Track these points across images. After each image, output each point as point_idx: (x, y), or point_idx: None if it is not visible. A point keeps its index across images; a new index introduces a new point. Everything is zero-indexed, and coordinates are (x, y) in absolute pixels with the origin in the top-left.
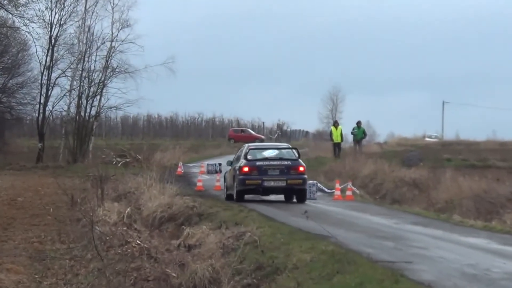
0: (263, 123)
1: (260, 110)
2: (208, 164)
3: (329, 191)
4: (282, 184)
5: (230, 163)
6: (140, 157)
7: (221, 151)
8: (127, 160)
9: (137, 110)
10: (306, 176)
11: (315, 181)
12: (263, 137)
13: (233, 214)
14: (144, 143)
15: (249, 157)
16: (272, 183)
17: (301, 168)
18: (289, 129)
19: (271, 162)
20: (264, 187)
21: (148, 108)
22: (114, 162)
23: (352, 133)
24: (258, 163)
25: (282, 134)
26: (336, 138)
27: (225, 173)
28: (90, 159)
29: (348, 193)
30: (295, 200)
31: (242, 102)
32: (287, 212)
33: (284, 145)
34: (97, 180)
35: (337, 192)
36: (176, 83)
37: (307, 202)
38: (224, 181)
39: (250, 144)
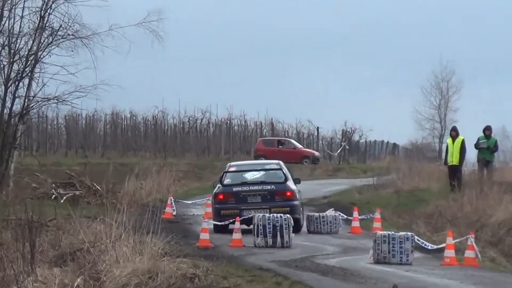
0: (317, 129)
1: (310, 107)
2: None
3: (434, 247)
4: (265, 213)
5: (214, 185)
6: (99, 188)
7: None
8: (77, 192)
9: (96, 104)
10: (296, 203)
11: (409, 233)
12: (316, 153)
13: None
14: (108, 163)
15: (225, 181)
16: (252, 213)
17: (288, 193)
18: (363, 140)
19: (251, 187)
20: (244, 218)
21: (115, 102)
22: (54, 196)
23: (477, 146)
24: (235, 188)
25: (351, 147)
26: (454, 157)
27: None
28: (10, 190)
29: (469, 254)
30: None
31: (279, 95)
32: (360, 285)
33: (273, 164)
34: (23, 228)
35: (449, 253)
36: (164, 60)
37: (397, 270)
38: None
39: (232, 163)
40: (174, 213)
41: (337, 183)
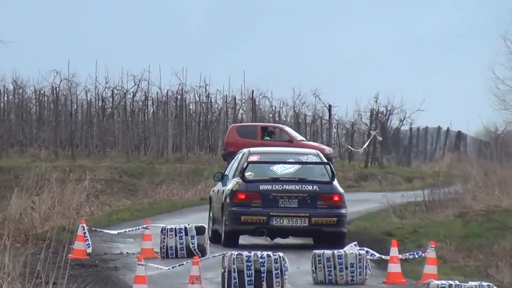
0: (329, 108)
1: (317, 73)
2: (165, 230)
3: None
4: (302, 223)
5: (220, 177)
6: None
7: (203, 191)
8: None
9: None
10: (345, 211)
11: (485, 284)
12: (328, 149)
13: None
14: None
15: (248, 174)
16: (285, 222)
17: (336, 197)
18: (406, 127)
19: (286, 186)
20: (272, 228)
21: None
22: None
23: None
24: (263, 186)
25: (385, 139)
26: None
27: (212, 191)
28: None
29: None
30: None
31: (264, 53)
32: None
33: (311, 153)
34: None
35: None
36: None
37: None
38: (210, 208)
39: (251, 149)
40: (89, 250)
41: (363, 200)
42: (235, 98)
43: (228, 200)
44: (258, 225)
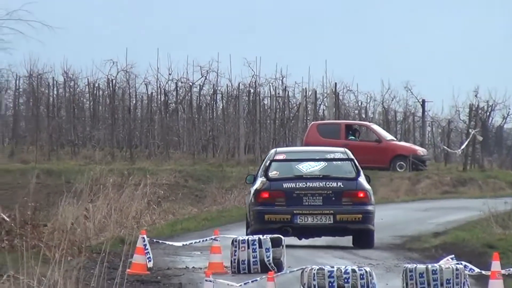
0: (423, 103)
1: (410, 64)
2: (237, 242)
3: None
4: (327, 220)
5: (253, 180)
6: (7, 219)
7: None
8: None
9: None
10: (371, 208)
11: None
12: (421, 150)
13: None
14: (23, 169)
15: (272, 173)
16: (309, 220)
17: (361, 194)
18: (508, 124)
19: (309, 184)
20: (296, 226)
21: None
22: None
23: None
24: (286, 184)
25: (486, 138)
26: None
27: (246, 194)
28: None
29: None
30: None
31: (350, 41)
32: None
33: (339, 152)
34: None
35: None
36: None
37: None
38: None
39: (279, 149)
40: (150, 264)
41: (461, 207)
42: (315, 92)
43: (252, 199)
44: (282, 224)
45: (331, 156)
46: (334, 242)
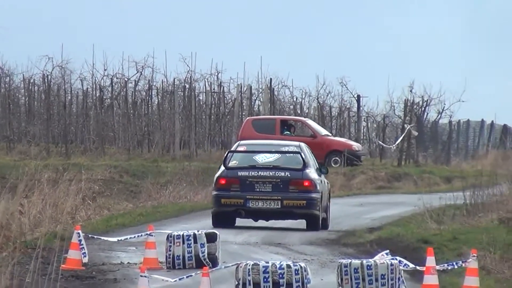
0: (358, 99)
1: (344, 60)
2: (172, 237)
3: None
4: (275, 205)
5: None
6: None
7: None
8: None
9: None
10: (315, 195)
11: None
12: (356, 145)
13: None
14: None
15: (231, 163)
16: (260, 204)
17: (306, 183)
18: (445, 120)
19: (261, 173)
20: (249, 209)
21: None
22: None
23: None
24: (241, 172)
25: (422, 134)
26: None
27: None
28: None
29: None
30: None
31: (284, 37)
32: None
33: (293, 145)
34: None
35: None
36: None
37: None
38: None
39: (242, 142)
40: (85, 260)
41: (396, 203)
42: (251, 88)
43: (213, 185)
44: (236, 207)
45: (286, 149)
46: (270, 237)
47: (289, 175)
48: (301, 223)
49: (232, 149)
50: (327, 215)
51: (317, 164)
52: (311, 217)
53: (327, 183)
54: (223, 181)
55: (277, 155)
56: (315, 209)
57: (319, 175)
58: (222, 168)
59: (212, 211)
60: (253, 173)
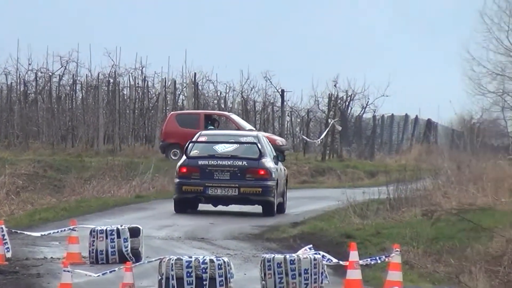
0: (282, 93)
1: (267, 54)
2: (95, 232)
3: None
4: (233, 192)
5: None
6: None
7: (138, 188)
8: None
9: None
10: (270, 183)
11: None
12: (280, 140)
13: None
14: None
15: (192, 152)
16: (218, 191)
17: (262, 172)
18: (369, 114)
19: (219, 162)
20: (208, 196)
21: None
22: None
23: None
24: (201, 161)
25: (345, 128)
26: None
27: None
28: None
29: None
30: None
31: (205, 30)
32: None
33: (251, 136)
34: None
35: None
36: None
37: None
38: None
39: (203, 132)
40: (8, 255)
41: (320, 197)
42: (175, 82)
43: (175, 173)
44: (196, 194)
45: (244, 140)
46: (193, 232)
47: (246, 164)
48: (258, 208)
49: (193, 139)
50: (283, 200)
51: (274, 152)
52: (267, 203)
53: (284, 169)
54: (184, 170)
55: (235, 145)
56: (270, 196)
57: (276, 163)
58: (184, 157)
59: (174, 198)
60: (212, 162)
